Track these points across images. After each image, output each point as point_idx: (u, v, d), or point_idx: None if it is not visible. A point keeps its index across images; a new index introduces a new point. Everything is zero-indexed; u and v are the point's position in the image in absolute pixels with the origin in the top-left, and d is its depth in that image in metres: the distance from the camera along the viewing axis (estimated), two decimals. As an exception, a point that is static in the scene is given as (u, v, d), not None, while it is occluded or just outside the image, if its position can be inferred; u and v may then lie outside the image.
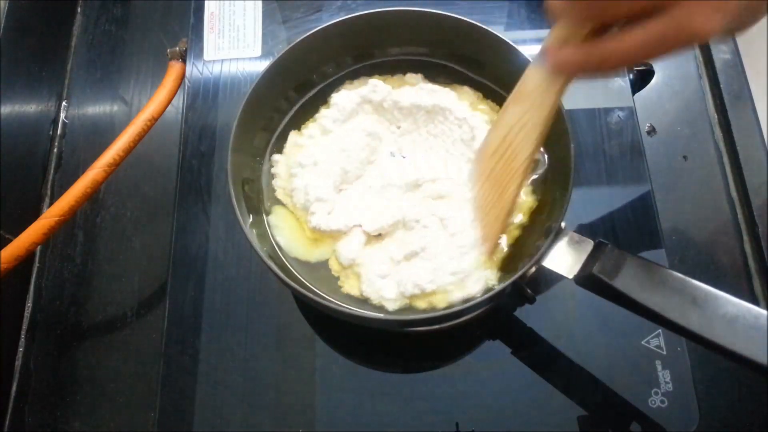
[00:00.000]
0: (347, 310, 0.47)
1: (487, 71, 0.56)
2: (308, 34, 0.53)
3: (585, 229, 0.56)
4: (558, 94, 0.38)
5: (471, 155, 0.52)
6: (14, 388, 0.58)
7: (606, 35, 0.34)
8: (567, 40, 0.35)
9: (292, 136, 0.56)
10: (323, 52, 0.56)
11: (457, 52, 0.56)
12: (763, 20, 0.35)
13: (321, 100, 0.57)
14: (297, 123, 0.57)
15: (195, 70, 0.64)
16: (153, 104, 0.59)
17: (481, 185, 0.43)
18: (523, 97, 0.39)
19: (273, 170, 0.55)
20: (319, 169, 0.52)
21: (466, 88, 0.56)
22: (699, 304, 0.39)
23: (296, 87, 0.57)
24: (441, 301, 0.48)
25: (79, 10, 0.75)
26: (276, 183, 0.54)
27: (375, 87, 0.55)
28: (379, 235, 0.51)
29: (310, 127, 0.56)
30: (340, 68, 0.58)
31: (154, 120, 0.59)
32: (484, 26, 0.52)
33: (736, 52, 0.65)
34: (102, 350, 0.59)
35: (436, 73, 0.57)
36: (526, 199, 0.52)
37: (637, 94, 0.64)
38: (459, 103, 0.54)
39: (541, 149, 0.52)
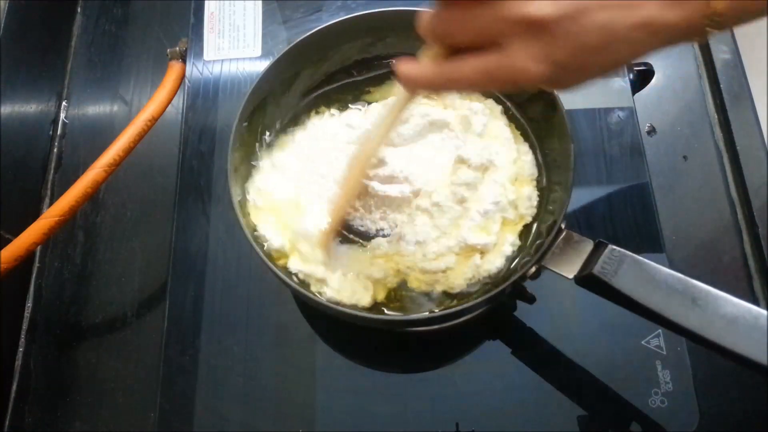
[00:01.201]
0: (347, 311, 0.47)
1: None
2: (309, 33, 0.53)
3: (585, 229, 0.56)
4: (403, 104, 0.42)
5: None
6: (14, 388, 0.58)
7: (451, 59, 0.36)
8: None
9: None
10: (325, 51, 0.56)
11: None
12: (763, 21, 0.35)
13: (323, 99, 0.58)
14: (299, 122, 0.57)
15: (195, 70, 0.64)
16: (153, 104, 0.59)
17: (344, 178, 0.49)
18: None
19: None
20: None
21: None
22: (699, 304, 0.39)
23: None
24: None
25: (79, 10, 0.75)
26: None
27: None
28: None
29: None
30: (342, 68, 0.58)
31: (154, 120, 0.59)
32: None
33: (736, 52, 0.65)
34: (102, 350, 0.59)
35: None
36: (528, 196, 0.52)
37: (637, 94, 0.64)
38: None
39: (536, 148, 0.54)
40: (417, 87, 0.40)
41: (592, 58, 0.33)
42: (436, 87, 0.39)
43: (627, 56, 0.33)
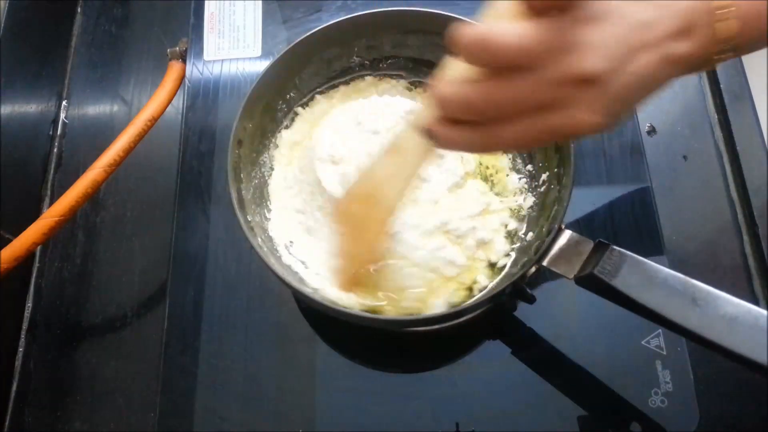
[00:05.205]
0: (347, 311, 0.47)
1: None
2: (310, 33, 0.53)
3: (585, 229, 0.56)
4: (427, 158, 0.38)
5: None
6: (14, 388, 0.58)
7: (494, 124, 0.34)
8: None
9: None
10: (325, 50, 0.56)
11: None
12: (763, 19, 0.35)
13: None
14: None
15: (195, 70, 0.64)
16: (153, 104, 0.59)
17: (343, 225, 0.45)
18: (399, 152, 0.39)
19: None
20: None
21: None
22: (699, 304, 0.39)
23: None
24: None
25: (79, 10, 0.75)
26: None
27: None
28: None
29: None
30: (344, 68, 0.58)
31: (154, 120, 0.59)
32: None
33: (736, 52, 0.65)
34: (102, 350, 0.59)
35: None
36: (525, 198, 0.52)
37: (637, 94, 0.64)
38: None
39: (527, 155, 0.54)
40: (456, 149, 0.38)
41: (634, 99, 0.34)
42: (476, 149, 0.39)
43: (655, 90, 0.35)
